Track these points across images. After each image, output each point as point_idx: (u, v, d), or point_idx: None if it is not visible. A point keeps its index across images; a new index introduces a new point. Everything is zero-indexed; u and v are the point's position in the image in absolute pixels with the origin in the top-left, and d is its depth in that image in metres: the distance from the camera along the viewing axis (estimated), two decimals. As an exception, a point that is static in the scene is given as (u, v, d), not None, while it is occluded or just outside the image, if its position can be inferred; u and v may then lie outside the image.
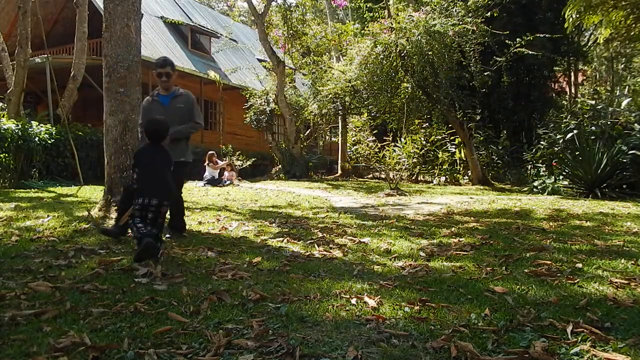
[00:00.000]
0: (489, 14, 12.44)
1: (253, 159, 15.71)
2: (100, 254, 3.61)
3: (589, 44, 21.07)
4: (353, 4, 16.52)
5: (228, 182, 12.74)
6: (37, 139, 10.37)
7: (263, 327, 2.15)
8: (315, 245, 4.14)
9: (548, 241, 4.31)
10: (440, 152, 15.09)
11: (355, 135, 14.82)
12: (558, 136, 11.45)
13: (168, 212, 3.94)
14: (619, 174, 9.22)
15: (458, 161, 15.22)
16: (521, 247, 4.05)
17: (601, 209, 6.80)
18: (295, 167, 15.17)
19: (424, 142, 12.22)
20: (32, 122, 10.77)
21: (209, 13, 25.04)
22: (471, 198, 9.00)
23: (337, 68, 15.07)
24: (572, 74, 22.76)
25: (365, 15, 14.56)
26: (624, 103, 11.45)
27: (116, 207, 4.44)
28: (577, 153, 9.91)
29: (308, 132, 18.31)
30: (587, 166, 9.33)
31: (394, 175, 11.23)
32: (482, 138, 15.30)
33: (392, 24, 12.52)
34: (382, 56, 12.84)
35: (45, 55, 12.46)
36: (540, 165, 12.25)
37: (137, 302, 2.42)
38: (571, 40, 17.86)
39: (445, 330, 2.15)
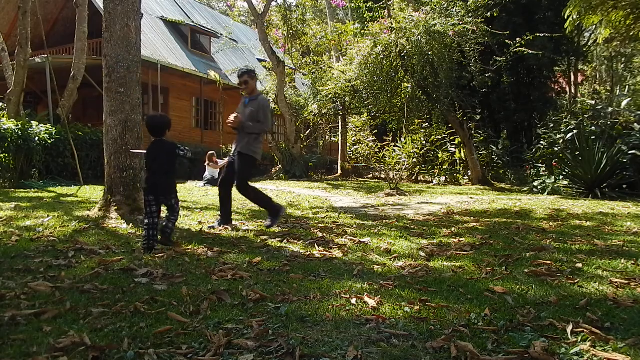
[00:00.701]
0: (489, 14, 12.44)
1: (253, 159, 15.68)
2: (100, 254, 3.60)
3: (589, 44, 21.07)
4: (353, 4, 16.50)
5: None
6: (37, 139, 10.37)
7: (263, 327, 2.15)
8: (315, 245, 4.14)
9: (548, 241, 4.31)
10: (440, 152, 15.09)
11: (355, 135, 14.80)
12: (558, 136, 11.45)
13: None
14: (619, 174, 9.22)
15: (458, 161, 15.23)
16: (521, 247, 4.05)
17: (601, 209, 6.80)
18: (295, 167, 15.17)
19: (424, 142, 12.21)
20: (32, 122, 10.78)
21: (209, 13, 25.04)
22: (471, 198, 9.00)
23: (337, 68, 15.07)
24: (572, 74, 22.75)
25: (365, 15, 14.55)
26: (624, 103, 11.46)
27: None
28: (577, 153, 9.91)
29: (308, 132, 18.32)
30: (587, 166, 9.34)
31: (394, 175, 11.23)
32: (482, 138, 15.31)
33: (392, 24, 12.52)
34: (382, 56, 12.84)
35: (45, 55, 12.47)
36: (540, 165, 12.26)
37: (137, 302, 2.42)
38: (571, 40, 17.86)
39: (445, 330, 2.15)
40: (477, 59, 12.05)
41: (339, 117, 17.48)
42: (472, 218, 5.99)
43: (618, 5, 8.86)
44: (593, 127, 10.67)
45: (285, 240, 4.33)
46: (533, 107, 17.09)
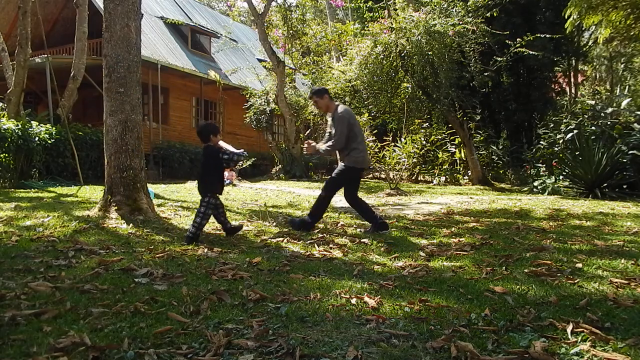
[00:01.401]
0: (489, 14, 12.44)
1: (253, 159, 15.71)
2: (100, 254, 3.60)
3: (589, 44, 21.05)
4: (353, 4, 16.51)
5: (228, 182, 12.74)
6: (37, 139, 10.37)
7: (263, 327, 2.15)
8: (315, 245, 4.14)
9: (548, 241, 4.31)
10: (440, 152, 15.08)
11: (355, 135, 14.75)
12: (558, 136, 11.45)
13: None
14: (619, 174, 9.21)
15: (458, 161, 15.22)
16: (521, 247, 4.05)
17: (601, 209, 6.80)
18: (295, 167, 15.16)
19: (424, 142, 12.21)
20: (32, 122, 10.77)
21: (209, 13, 25.03)
22: (471, 198, 9.00)
23: (337, 68, 15.07)
24: (572, 74, 22.74)
25: (365, 15, 14.55)
26: (624, 103, 11.46)
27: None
28: (577, 153, 9.91)
29: (308, 132, 18.30)
30: (587, 166, 9.33)
31: (394, 175, 11.23)
32: (482, 138, 15.31)
33: (392, 24, 12.52)
34: (382, 56, 12.83)
35: (45, 55, 12.46)
36: (540, 165, 12.26)
37: (137, 302, 2.42)
38: (571, 40, 17.85)
39: (445, 330, 2.15)
40: (477, 59, 12.05)
41: (339, 117, 17.42)
42: (472, 218, 6.00)
43: (618, 5, 8.86)
44: (593, 127, 10.67)
45: (285, 240, 4.33)
46: (533, 107, 17.08)
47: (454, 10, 12.37)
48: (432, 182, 14.78)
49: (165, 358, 1.85)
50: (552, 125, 12.61)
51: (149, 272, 3.04)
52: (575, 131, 10.70)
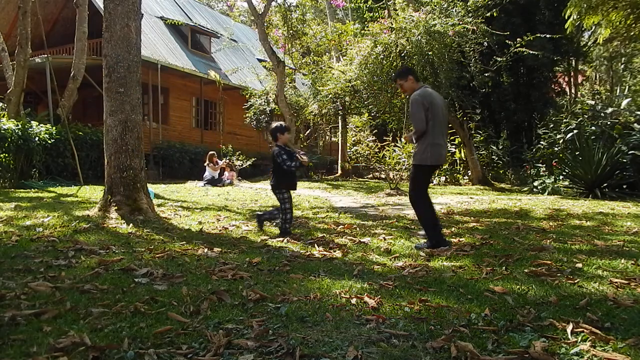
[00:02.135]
0: (488, 14, 12.44)
1: (253, 159, 15.71)
2: (100, 254, 3.60)
3: (589, 44, 21.04)
4: (353, 4, 16.50)
5: (228, 182, 12.74)
6: (37, 139, 10.37)
7: (263, 327, 2.15)
8: (315, 245, 4.14)
9: (548, 241, 4.31)
10: (441, 152, 15.05)
11: (355, 135, 14.82)
12: (558, 136, 11.45)
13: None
14: (619, 174, 9.22)
15: (458, 161, 15.23)
16: (521, 247, 4.05)
17: (601, 209, 6.80)
18: (295, 167, 15.14)
19: (424, 142, 12.14)
20: (32, 122, 10.77)
21: (209, 13, 25.03)
22: (471, 198, 9.01)
23: (337, 68, 15.07)
24: (572, 74, 22.74)
25: (365, 15, 14.55)
26: (624, 103, 11.46)
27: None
28: (577, 153, 9.91)
29: (308, 132, 18.31)
30: (587, 166, 9.33)
31: (394, 175, 11.23)
32: (482, 138, 15.31)
33: (392, 24, 12.51)
34: (382, 56, 12.82)
35: (45, 55, 12.46)
36: (540, 165, 12.26)
37: (137, 302, 2.42)
38: (571, 40, 17.84)
39: (445, 330, 2.15)
40: (477, 59, 12.04)
41: (339, 117, 17.46)
42: (472, 218, 6.00)
43: (618, 5, 8.85)
44: (593, 127, 10.67)
45: (285, 240, 4.33)
46: (533, 107, 17.09)
47: (453, 10, 12.37)
48: (432, 182, 14.78)
49: (165, 358, 1.85)
50: (552, 125, 12.61)
51: (149, 272, 3.04)
52: (575, 131, 10.70)
